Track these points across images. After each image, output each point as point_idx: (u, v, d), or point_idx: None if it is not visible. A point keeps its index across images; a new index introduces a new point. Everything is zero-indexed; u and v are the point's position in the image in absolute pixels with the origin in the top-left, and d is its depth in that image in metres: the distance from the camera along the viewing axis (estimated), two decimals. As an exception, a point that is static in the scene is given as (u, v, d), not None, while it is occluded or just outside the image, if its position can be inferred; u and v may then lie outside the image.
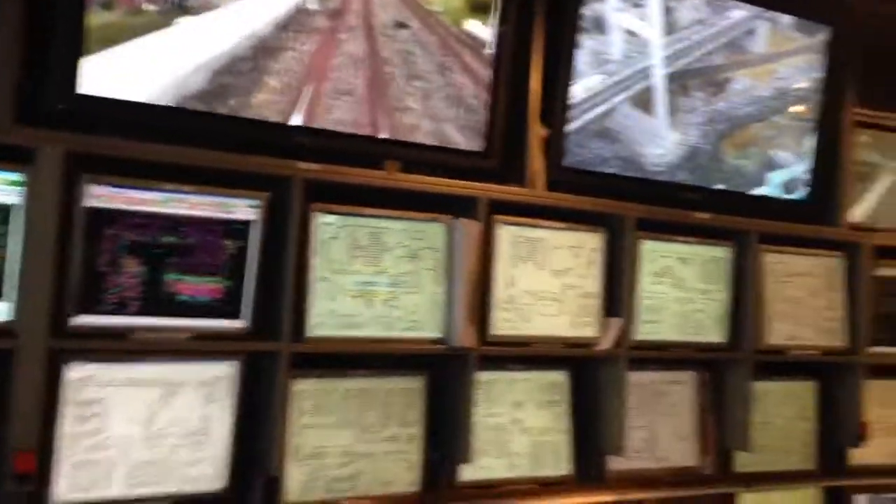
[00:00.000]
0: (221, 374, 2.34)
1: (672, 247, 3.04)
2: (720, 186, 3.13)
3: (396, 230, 2.57)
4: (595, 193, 2.89)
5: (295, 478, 2.45)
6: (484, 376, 2.71)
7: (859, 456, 3.43)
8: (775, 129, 3.22)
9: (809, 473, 3.38)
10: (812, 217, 3.35)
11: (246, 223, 2.34)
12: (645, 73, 2.95)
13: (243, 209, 2.34)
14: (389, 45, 2.52)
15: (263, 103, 2.35)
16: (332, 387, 2.53)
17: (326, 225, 2.47)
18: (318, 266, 2.45)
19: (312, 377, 2.50)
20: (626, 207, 2.92)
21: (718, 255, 3.13)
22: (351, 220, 2.50)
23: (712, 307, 3.11)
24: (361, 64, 2.48)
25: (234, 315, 2.34)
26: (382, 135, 2.55)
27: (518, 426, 2.83)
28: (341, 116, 2.47)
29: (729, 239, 3.15)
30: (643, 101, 2.95)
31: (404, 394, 2.63)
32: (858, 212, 3.44)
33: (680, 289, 3.05)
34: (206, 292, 2.30)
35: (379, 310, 2.53)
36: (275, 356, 2.37)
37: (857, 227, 3.42)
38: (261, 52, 2.33)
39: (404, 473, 2.62)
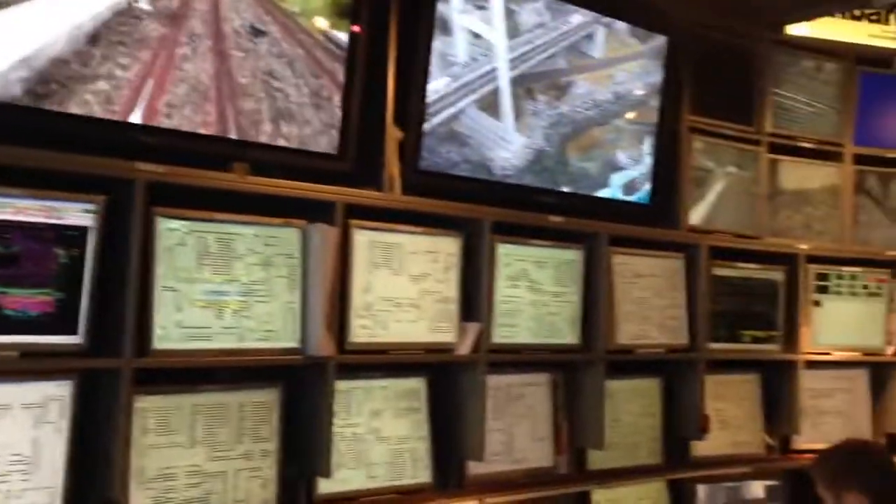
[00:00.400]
0: (54, 395, 2.13)
1: (527, 250, 3.06)
2: (566, 189, 3.18)
3: (247, 236, 2.44)
4: (451, 197, 2.86)
5: (140, 502, 2.27)
6: (341, 385, 2.62)
7: (701, 448, 3.59)
8: (616, 133, 3.30)
9: (656, 467, 3.49)
10: (654, 220, 3.48)
11: (81, 229, 2.15)
12: (490, 75, 2.94)
13: (77, 214, 2.14)
14: (240, 42, 2.40)
15: (99, 99, 2.17)
16: (180, 403, 2.37)
17: (171, 230, 2.31)
18: (163, 275, 2.28)
19: (157, 393, 2.33)
20: (482, 211, 2.91)
21: (571, 257, 3.18)
22: (198, 226, 2.35)
23: (566, 309, 3.16)
24: (208, 58, 2.34)
25: (68, 330, 2.14)
26: (231, 135, 2.41)
27: (376, 435, 2.76)
28: (186, 114, 2.32)
29: (580, 242, 3.21)
30: (490, 105, 2.95)
31: (258, 407, 2.50)
32: (696, 215, 3.59)
33: (535, 292, 3.08)
34: (36, 306, 2.09)
35: (230, 320, 2.39)
36: (115, 373, 2.18)
37: (695, 230, 3.57)
38: (94, 44, 2.15)
39: (259, 491, 2.49)
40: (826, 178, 3.95)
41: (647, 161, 3.40)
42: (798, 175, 3.89)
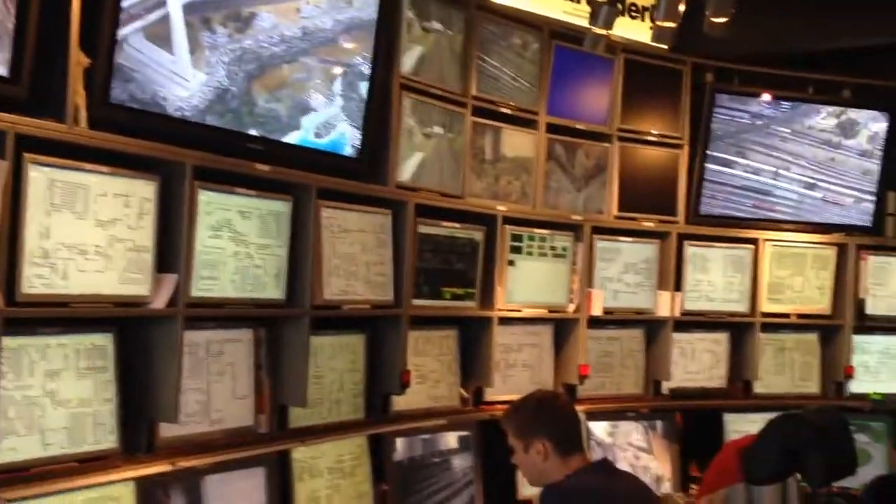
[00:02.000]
0: None
1: (231, 199, 2.88)
2: (254, 132, 2.95)
3: None
4: (147, 136, 2.60)
5: None
6: (10, 343, 2.30)
7: (401, 403, 3.65)
8: (306, 72, 3.11)
9: (358, 423, 3.50)
10: (363, 175, 3.44)
11: None
12: (158, 0, 2.61)
13: None
14: None
15: None
16: None
17: None
18: None
19: None
20: (183, 154, 2.69)
21: (278, 209, 3.05)
22: None
23: (271, 262, 3.03)
24: None
25: None
26: None
27: (52, 398, 2.46)
28: None
29: (288, 193, 3.09)
30: (159, 35, 2.62)
31: None
32: (404, 172, 3.62)
33: (239, 243, 2.91)
34: None
35: None
36: None
37: (402, 187, 3.60)
38: None
39: None
40: (522, 145, 4.16)
41: (340, 103, 3.24)
42: (498, 139, 4.06)
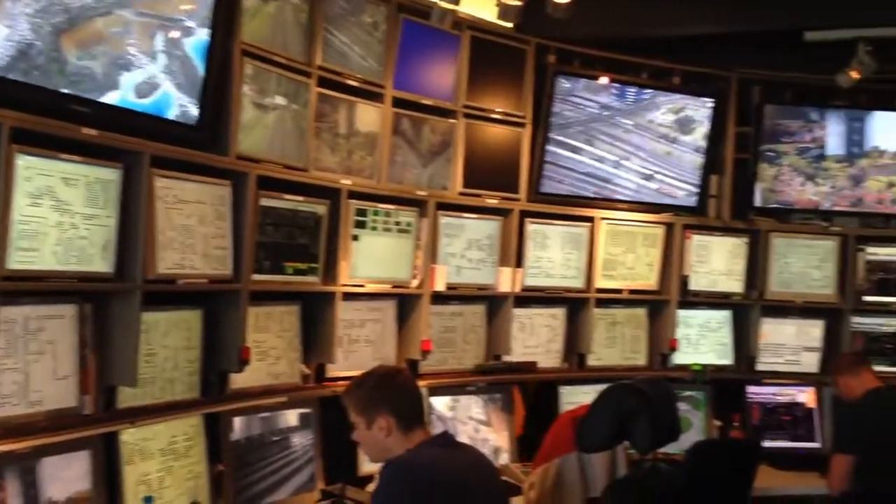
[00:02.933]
0: None
1: (54, 164, 2.67)
2: (67, 91, 2.73)
3: None
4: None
5: None
6: None
7: (240, 380, 3.54)
8: (122, 26, 2.88)
9: (193, 402, 3.36)
10: (202, 144, 3.29)
11: None
12: None
13: None
14: None
15: None
16: None
17: None
18: None
19: None
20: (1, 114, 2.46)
21: (106, 176, 2.85)
22: None
23: (99, 234, 2.84)
24: None
25: None
26: None
27: None
28: None
29: (118, 160, 2.90)
30: None
31: None
32: (245, 143, 3.48)
33: (62, 212, 2.71)
34: None
35: None
36: None
37: (244, 158, 3.47)
38: None
39: None
40: (369, 118, 4.11)
41: (162, 61, 3.04)
42: (353, 114, 3.99)
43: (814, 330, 5.55)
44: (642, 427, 3.41)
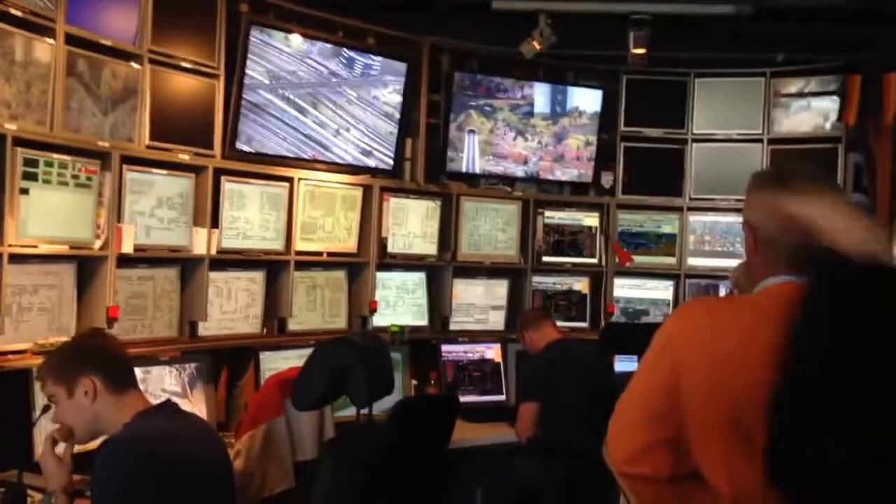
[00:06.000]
0: None
1: None
2: None
3: None
4: None
5: None
6: None
7: None
8: None
9: None
10: None
11: None
12: None
13: None
14: None
15: None
16: None
17: None
18: None
19: None
20: None
21: None
22: None
23: None
24: None
25: None
26: None
27: None
28: None
29: None
30: None
31: None
32: None
33: None
34: None
35: None
36: None
37: None
38: None
39: None
40: (37, 54, 3.57)
41: None
42: (31, 48, 3.45)
43: (500, 289, 5.88)
44: (360, 380, 3.34)
